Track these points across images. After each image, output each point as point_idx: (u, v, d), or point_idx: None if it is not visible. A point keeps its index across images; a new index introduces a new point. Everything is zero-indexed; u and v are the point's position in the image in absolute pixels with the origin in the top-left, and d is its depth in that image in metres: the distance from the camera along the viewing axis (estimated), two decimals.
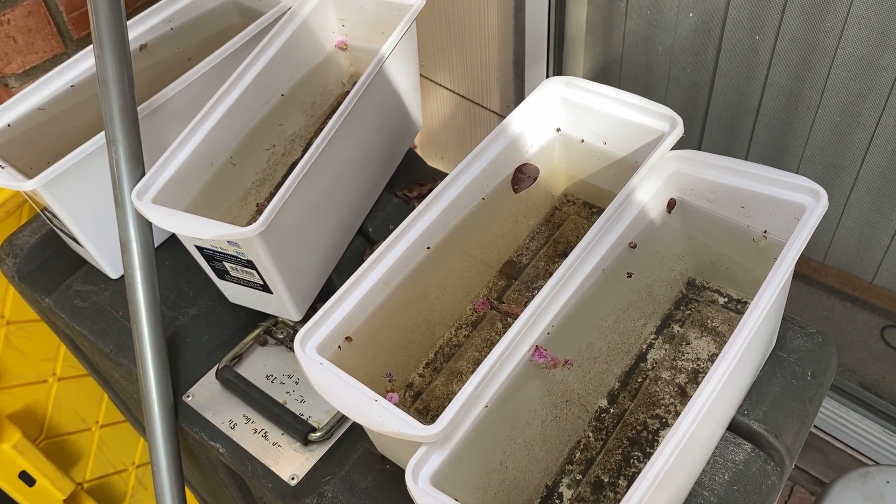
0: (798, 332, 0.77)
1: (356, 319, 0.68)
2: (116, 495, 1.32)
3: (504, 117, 1.53)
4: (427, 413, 0.74)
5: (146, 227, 0.82)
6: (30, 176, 0.81)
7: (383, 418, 0.57)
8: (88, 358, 1.05)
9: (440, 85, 1.63)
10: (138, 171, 0.81)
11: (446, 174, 1.05)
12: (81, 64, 0.93)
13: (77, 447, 1.24)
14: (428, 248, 0.73)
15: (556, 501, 0.68)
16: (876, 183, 1.12)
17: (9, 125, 0.88)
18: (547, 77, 1.46)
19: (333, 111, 1.04)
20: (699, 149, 1.34)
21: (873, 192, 1.13)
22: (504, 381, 0.61)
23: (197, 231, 0.73)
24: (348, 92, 1.06)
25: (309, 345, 0.64)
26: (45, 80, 0.90)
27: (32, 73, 1.07)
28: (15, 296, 1.09)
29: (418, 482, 0.55)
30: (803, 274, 1.29)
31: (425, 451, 0.57)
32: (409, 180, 1.02)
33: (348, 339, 0.68)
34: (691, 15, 1.17)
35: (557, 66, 1.43)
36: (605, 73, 1.38)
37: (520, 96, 1.46)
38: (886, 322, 1.25)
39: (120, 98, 0.79)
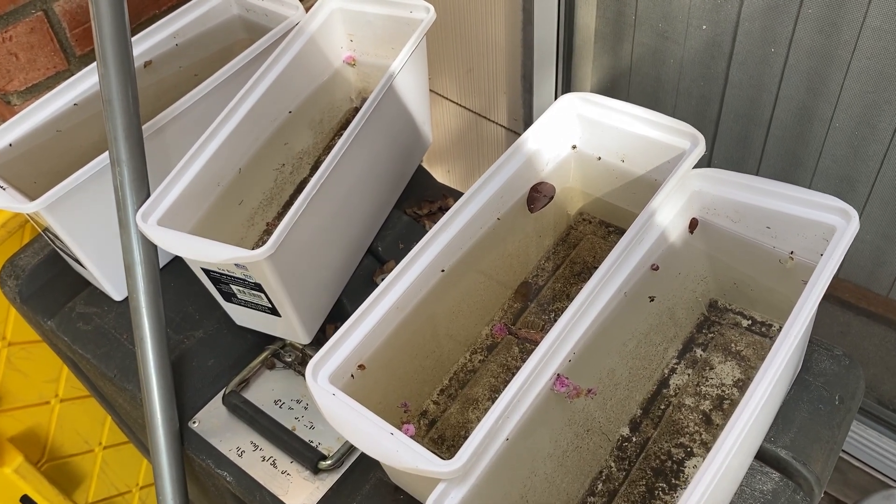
0: (824, 355, 0.75)
1: (369, 347, 0.66)
2: None
3: (512, 131, 1.53)
4: (443, 443, 0.71)
5: (151, 249, 0.80)
6: (32, 195, 0.80)
7: (400, 453, 0.55)
8: (91, 381, 1.02)
9: (447, 98, 1.61)
10: (143, 192, 0.79)
11: (456, 190, 1.04)
12: (85, 81, 0.91)
13: (80, 470, 1.22)
14: (442, 270, 0.71)
15: None
16: (891, 196, 1.10)
17: (10, 144, 0.86)
18: (555, 90, 1.45)
19: (341, 128, 1.02)
20: (709, 163, 1.33)
21: (888, 205, 1.11)
22: (525, 412, 0.59)
23: (204, 255, 0.71)
24: (356, 108, 1.05)
25: (321, 374, 0.62)
26: (48, 99, 0.88)
27: (35, 91, 1.05)
28: (16, 316, 1.07)
29: None
30: None
31: (445, 487, 0.55)
32: (419, 197, 1.00)
33: (361, 367, 0.65)
34: (704, 27, 1.15)
35: (566, 79, 1.42)
36: (613, 86, 1.36)
37: (528, 110, 1.45)
38: None
39: (124, 117, 0.77)
